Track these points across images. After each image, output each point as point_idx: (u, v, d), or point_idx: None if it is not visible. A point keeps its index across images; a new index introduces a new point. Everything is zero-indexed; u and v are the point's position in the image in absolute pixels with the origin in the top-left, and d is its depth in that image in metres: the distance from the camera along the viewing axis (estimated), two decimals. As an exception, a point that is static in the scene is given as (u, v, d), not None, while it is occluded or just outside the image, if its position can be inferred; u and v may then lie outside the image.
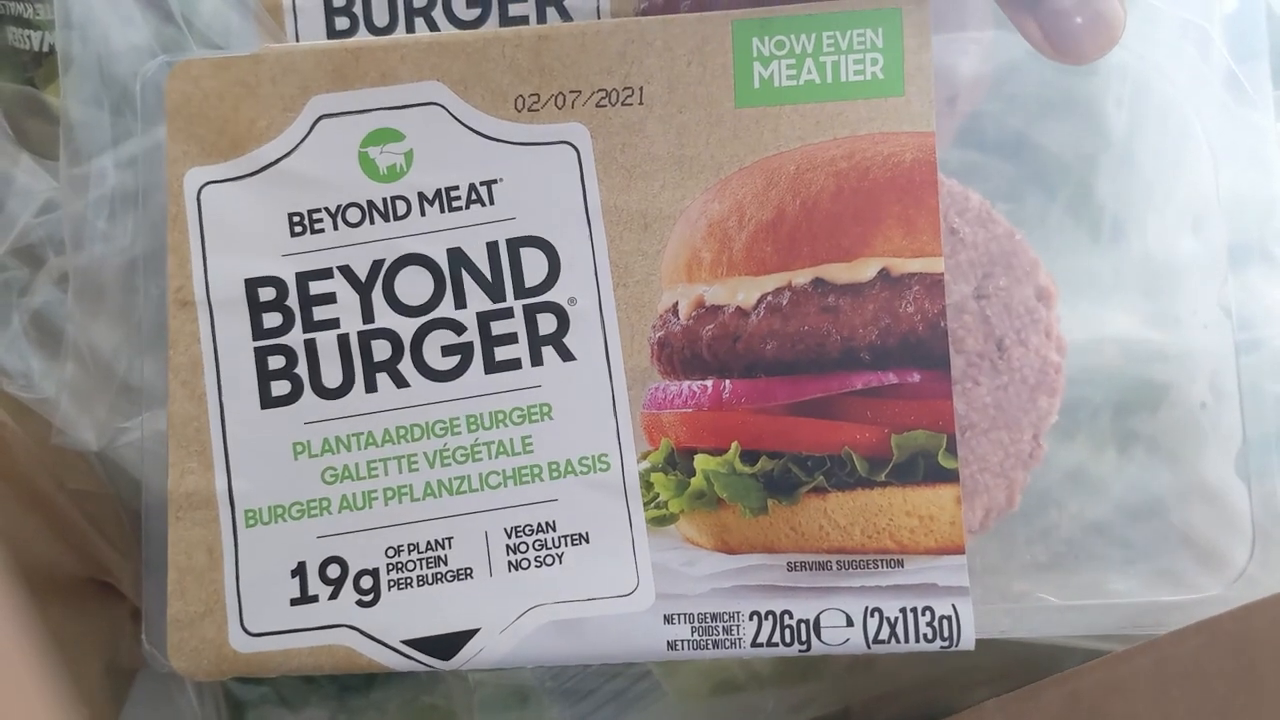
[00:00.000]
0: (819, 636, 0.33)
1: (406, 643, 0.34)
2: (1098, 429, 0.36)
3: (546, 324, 0.35)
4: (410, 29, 0.40)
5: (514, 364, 0.35)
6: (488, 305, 0.35)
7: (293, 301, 0.35)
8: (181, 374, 0.35)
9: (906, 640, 0.33)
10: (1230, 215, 0.35)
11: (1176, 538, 0.34)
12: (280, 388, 0.35)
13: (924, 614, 0.33)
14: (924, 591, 0.33)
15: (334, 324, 0.35)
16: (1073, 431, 0.36)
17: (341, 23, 0.40)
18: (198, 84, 0.36)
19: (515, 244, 0.35)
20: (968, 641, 0.33)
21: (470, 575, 0.34)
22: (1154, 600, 0.33)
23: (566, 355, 0.35)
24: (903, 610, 0.33)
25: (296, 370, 0.35)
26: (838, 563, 0.34)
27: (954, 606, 0.33)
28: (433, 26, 0.40)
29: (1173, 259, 0.36)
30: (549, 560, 0.34)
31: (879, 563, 0.34)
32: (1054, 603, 0.34)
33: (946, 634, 0.33)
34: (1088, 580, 0.34)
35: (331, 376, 0.35)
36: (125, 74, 0.37)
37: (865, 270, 0.34)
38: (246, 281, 0.35)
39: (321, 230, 0.35)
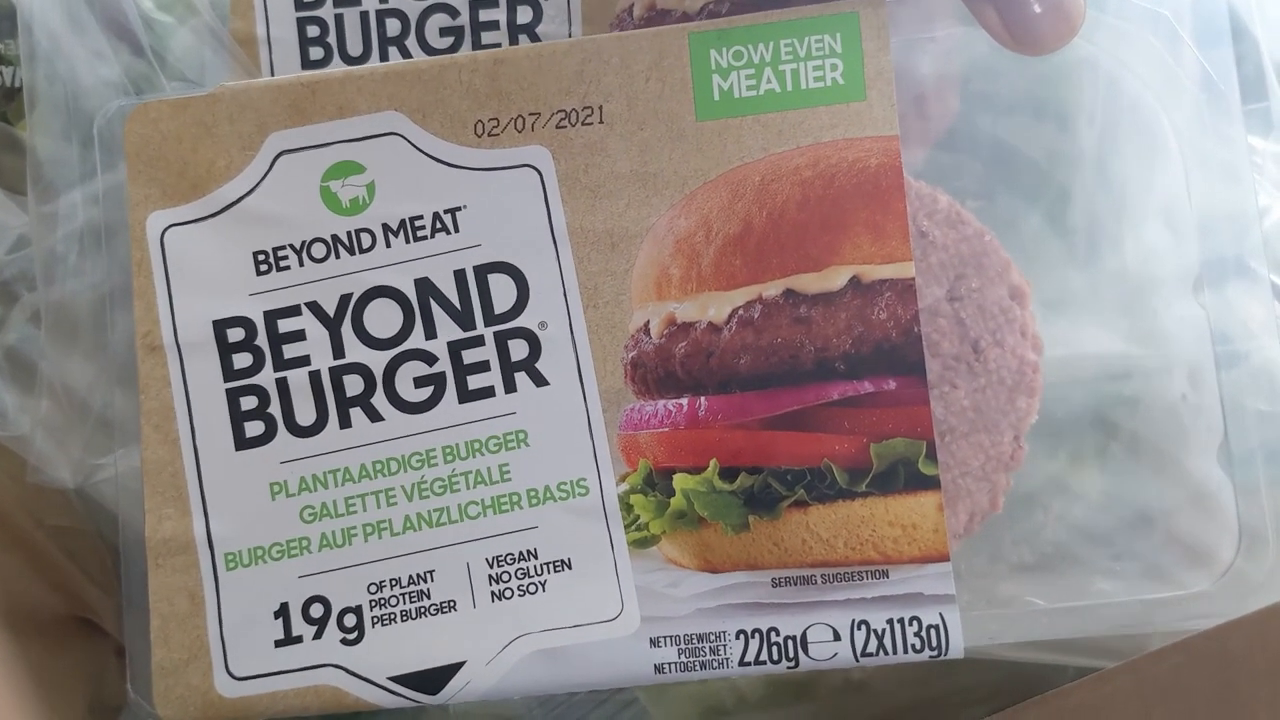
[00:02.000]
0: (806, 652, 0.33)
1: (393, 679, 0.34)
2: (1079, 429, 0.36)
3: (518, 350, 0.35)
4: (384, 58, 0.40)
5: (487, 392, 0.35)
6: (458, 334, 0.35)
7: (262, 341, 0.35)
8: (154, 419, 0.35)
9: (895, 652, 0.33)
10: (1205, 229, 0.35)
11: (1162, 535, 0.34)
12: (254, 428, 0.35)
13: (911, 624, 0.33)
14: (910, 601, 0.33)
15: (304, 361, 0.35)
16: (1054, 432, 0.36)
17: (316, 53, 0.40)
18: (156, 126, 0.36)
19: (483, 271, 0.35)
20: (956, 649, 0.33)
21: (454, 608, 0.34)
22: (1142, 599, 0.33)
23: (540, 380, 0.35)
24: (889, 621, 0.33)
25: (269, 410, 0.35)
26: (822, 576, 0.34)
27: (941, 615, 0.33)
28: (406, 55, 0.40)
29: (1147, 265, 0.35)
30: (532, 588, 0.34)
31: (864, 574, 0.34)
32: (1042, 606, 0.34)
33: (935, 643, 0.33)
34: (1075, 582, 0.34)
35: (305, 414, 0.35)
36: (94, 109, 0.37)
37: (836, 279, 0.34)
38: (214, 323, 0.35)
39: (287, 267, 0.35)
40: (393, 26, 0.40)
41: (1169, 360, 0.35)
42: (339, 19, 0.40)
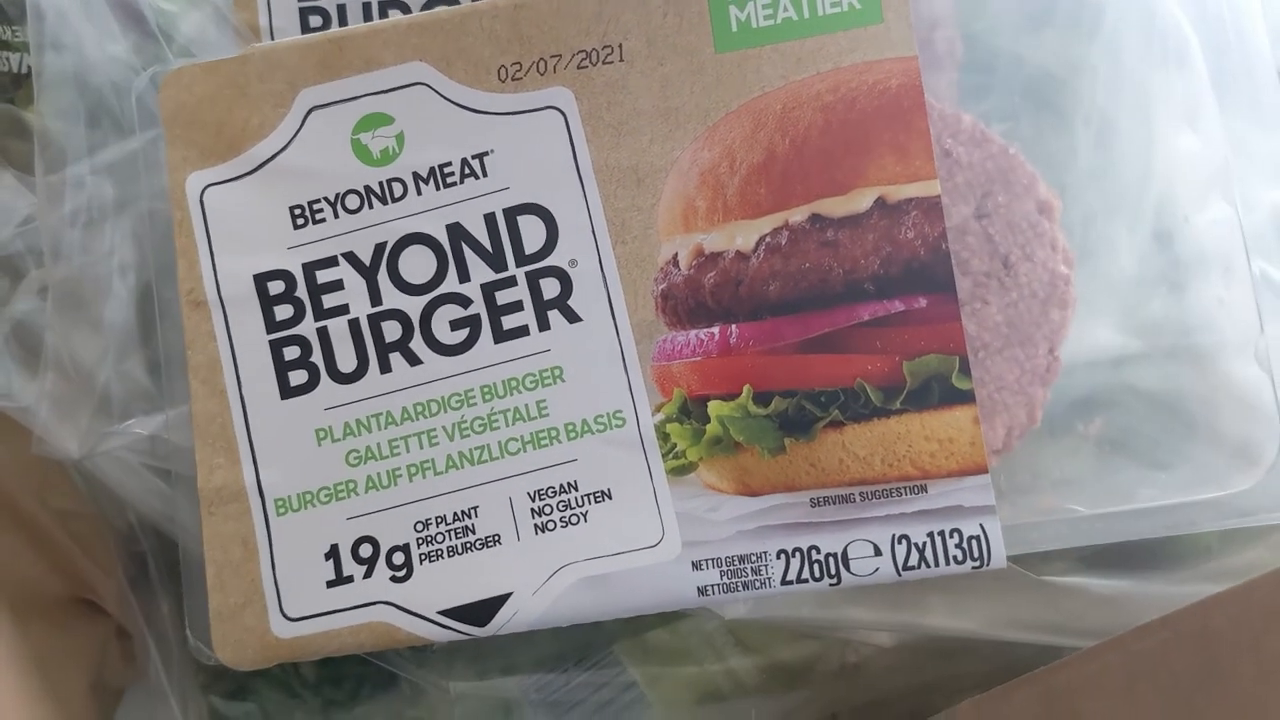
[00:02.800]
0: (848, 569, 0.34)
1: (443, 613, 0.35)
2: (1115, 340, 0.36)
3: (550, 288, 0.36)
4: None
5: (522, 331, 0.36)
6: (491, 276, 0.36)
7: (302, 292, 0.36)
8: (201, 373, 0.36)
9: (936, 564, 0.33)
10: (1231, 131, 0.35)
11: (1204, 438, 0.34)
12: (298, 377, 0.36)
13: (952, 536, 0.33)
14: (950, 514, 0.34)
15: (344, 310, 0.36)
16: (1091, 344, 0.36)
17: (315, 22, 0.41)
18: (190, 90, 0.37)
19: (512, 213, 0.36)
20: (999, 559, 0.33)
21: (499, 541, 0.35)
22: (1184, 500, 0.33)
23: (573, 317, 0.35)
24: (930, 535, 0.33)
25: (312, 359, 0.36)
26: (860, 494, 0.34)
27: (981, 526, 0.33)
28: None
29: (1175, 170, 0.35)
30: (574, 520, 0.35)
31: (902, 490, 0.34)
32: (1083, 513, 0.34)
33: (976, 554, 0.33)
34: (1118, 492, 0.34)
35: (346, 361, 0.36)
36: (103, 84, 0.38)
37: (861, 201, 0.35)
38: (255, 277, 0.36)
39: (323, 220, 0.36)
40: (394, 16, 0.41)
41: (1204, 263, 0.35)
42: (341, 9, 0.41)
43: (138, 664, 0.42)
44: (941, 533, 0.34)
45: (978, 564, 0.33)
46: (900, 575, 0.34)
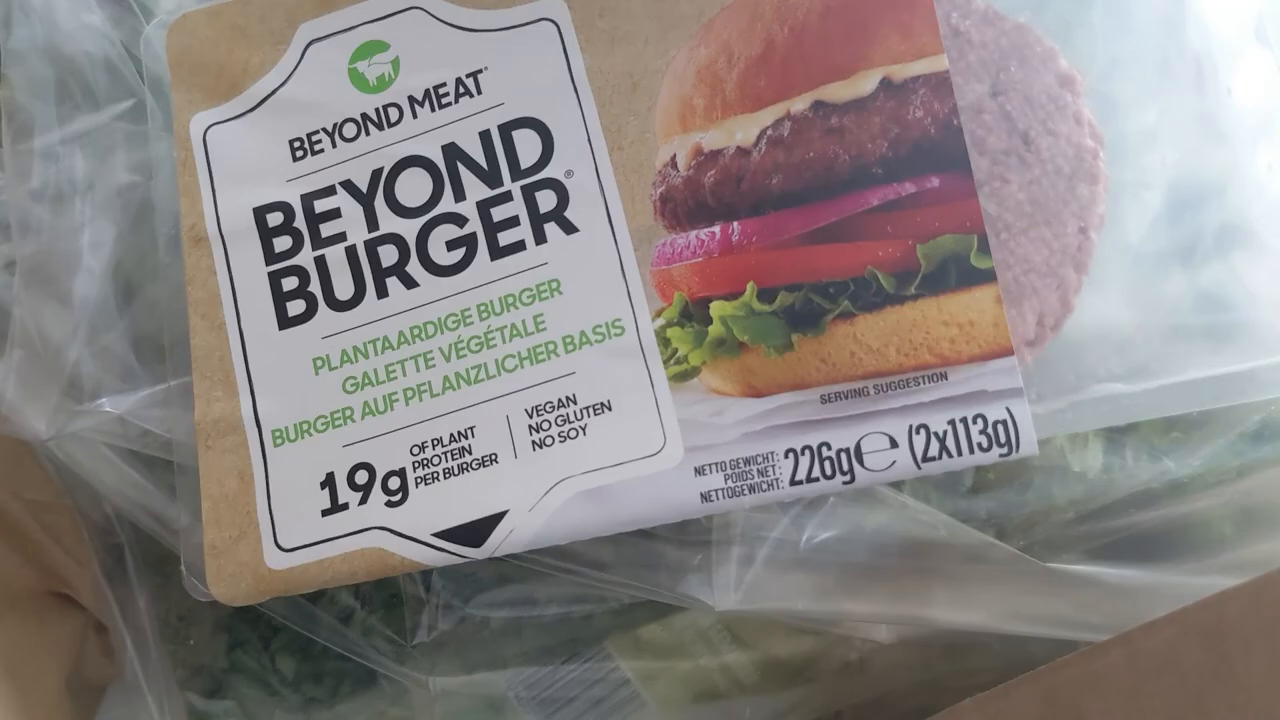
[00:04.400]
0: (861, 464, 0.31)
1: (437, 535, 0.33)
2: (1160, 227, 0.33)
3: (546, 201, 0.35)
4: None
5: (518, 246, 0.34)
6: (486, 193, 0.35)
7: (300, 223, 0.36)
8: (200, 307, 0.36)
9: (959, 453, 0.31)
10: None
11: (1256, 321, 0.31)
12: (295, 307, 0.36)
13: (975, 422, 0.31)
14: (973, 400, 0.31)
15: (341, 238, 0.36)
16: (1135, 229, 0.33)
17: None
18: (194, 35, 0.37)
19: (507, 128, 0.35)
20: (1029, 445, 0.30)
21: (495, 460, 0.33)
22: (1228, 370, 0.30)
23: (569, 228, 0.34)
24: (951, 422, 0.31)
25: (310, 288, 0.36)
26: (875, 387, 0.32)
27: (1008, 410, 0.30)
28: None
29: (1210, 33, 0.33)
30: (572, 434, 0.33)
31: (920, 380, 0.31)
32: (1121, 389, 0.30)
33: (1003, 439, 0.30)
34: (1166, 363, 0.31)
35: (343, 289, 0.35)
36: (76, 54, 0.38)
37: (866, 83, 0.33)
38: (254, 210, 0.36)
39: (321, 151, 0.36)
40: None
41: (1250, 130, 0.32)
42: None
43: (116, 659, 0.40)
44: (964, 419, 0.31)
45: (1005, 450, 0.30)
46: (920, 468, 0.31)
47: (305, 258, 0.36)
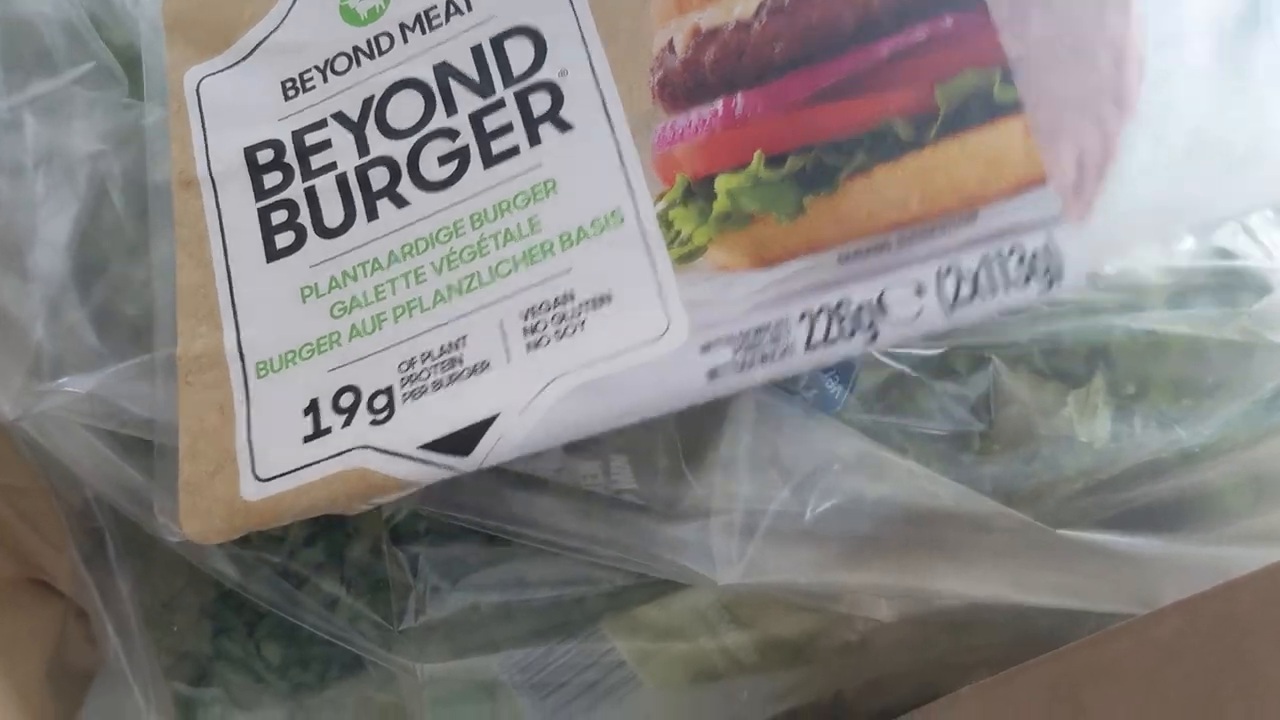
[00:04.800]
0: (885, 316, 0.27)
1: (423, 447, 0.30)
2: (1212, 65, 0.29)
3: (540, 103, 0.33)
4: None
5: (512, 152, 0.32)
6: (479, 104, 0.33)
7: (290, 158, 0.35)
8: (188, 246, 0.34)
9: (994, 292, 0.27)
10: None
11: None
12: (284, 239, 0.34)
13: (1011, 255, 0.27)
14: (1007, 234, 0.27)
15: (331, 167, 0.34)
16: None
17: None
18: (190, -7, 0.37)
19: (498, 40, 0.34)
20: (1075, 276, 0.26)
21: (488, 367, 0.30)
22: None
23: (564, 127, 0.32)
24: (984, 258, 0.27)
25: (299, 220, 0.34)
26: (898, 239, 0.28)
27: (1049, 235, 0.27)
28: None
29: None
30: (570, 330, 0.30)
31: (946, 225, 0.28)
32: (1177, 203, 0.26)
33: (1044, 270, 0.27)
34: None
35: (333, 216, 0.34)
36: (32, 15, 0.36)
37: (869, -63, 0.30)
38: (245, 149, 0.35)
39: (313, 87, 0.35)
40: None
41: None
42: None
43: (99, 647, 0.38)
44: (999, 253, 0.27)
45: (1046, 283, 0.26)
46: (950, 315, 0.27)
47: (295, 190, 0.34)
